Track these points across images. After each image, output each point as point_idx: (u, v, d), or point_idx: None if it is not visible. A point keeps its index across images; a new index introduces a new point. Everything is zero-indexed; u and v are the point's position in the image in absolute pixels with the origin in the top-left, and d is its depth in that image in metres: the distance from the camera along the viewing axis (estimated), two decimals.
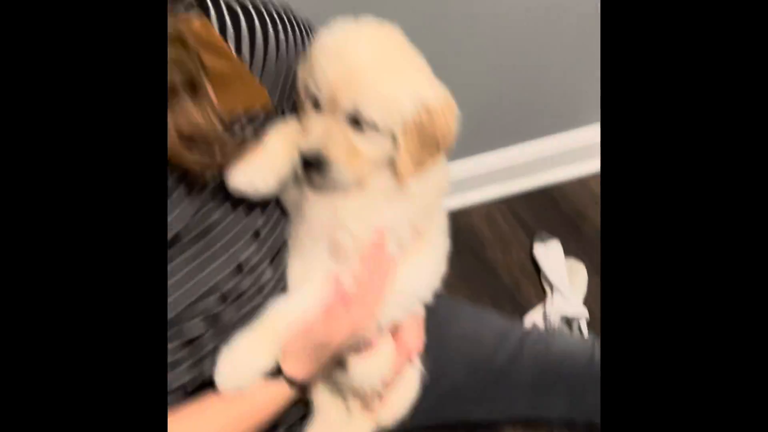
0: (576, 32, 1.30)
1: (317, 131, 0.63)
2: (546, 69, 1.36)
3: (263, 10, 0.68)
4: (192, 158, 0.62)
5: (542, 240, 1.40)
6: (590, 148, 1.53)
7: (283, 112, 0.72)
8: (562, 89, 1.43)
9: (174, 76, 0.58)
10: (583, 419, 1.05)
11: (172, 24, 0.58)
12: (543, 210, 1.52)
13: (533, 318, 1.26)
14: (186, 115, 0.61)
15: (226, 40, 0.64)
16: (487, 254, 1.44)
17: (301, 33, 0.71)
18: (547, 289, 1.32)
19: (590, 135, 1.52)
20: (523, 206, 1.53)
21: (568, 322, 1.21)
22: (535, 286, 1.36)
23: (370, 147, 0.64)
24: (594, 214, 1.50)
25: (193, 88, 0.61)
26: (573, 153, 1.54)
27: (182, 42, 0.59)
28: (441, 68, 0.67)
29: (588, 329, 1.23)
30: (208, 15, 0.64)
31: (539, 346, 1.01)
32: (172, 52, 0.58)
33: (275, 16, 0.68)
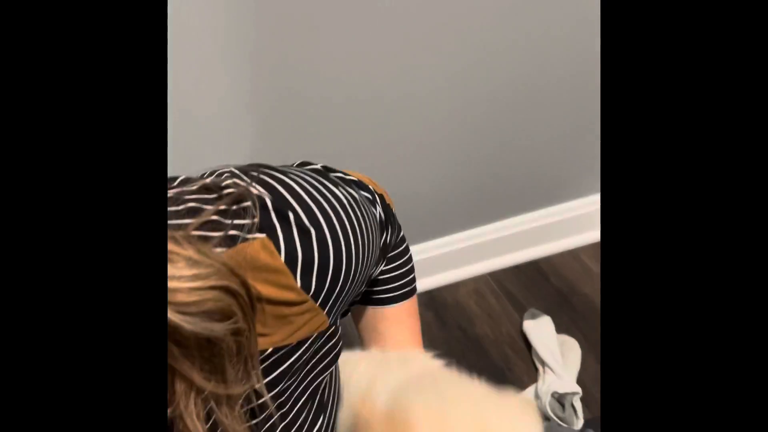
0: (564, 100, 1.30)
1: None
2: (534, 143, 1.36)
3: (337, 224, 0.58)
4: None
5: (532, 316, 1.35)
6: (580, 219, 1.51)
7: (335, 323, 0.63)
8: (550, 163, 1.42)
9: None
10: None
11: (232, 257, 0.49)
12: (532, 284, 1.48)
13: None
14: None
15: (294, 268, 0.54)
16: (475, 330, 1.38)
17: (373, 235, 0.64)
18: (539, 366, 1.26)
19: (580, 207, 1.50)
20: (512, 280, 1.49)
21: (560, 399, 1.14)
22: (526, 363, 1.30)
23: None
24: (585, 287, 1.46)
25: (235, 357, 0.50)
26: (562, 225, 1.52)
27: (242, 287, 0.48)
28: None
29: (582, 406, 1.16)
30: (276, 238, 0.54)
31: None
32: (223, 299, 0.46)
33: (348, 228, 0.59)
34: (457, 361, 0.85)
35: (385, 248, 0.75)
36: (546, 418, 1.15)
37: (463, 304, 1.45)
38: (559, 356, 1.24)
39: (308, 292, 0.55)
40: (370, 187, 0.74)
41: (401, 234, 0.80)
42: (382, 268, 0.78)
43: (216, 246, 0.50)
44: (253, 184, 0.55)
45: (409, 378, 0.70)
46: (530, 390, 1.21)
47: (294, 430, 0.63)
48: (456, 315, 1.42)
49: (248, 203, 0.53)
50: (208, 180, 0.56)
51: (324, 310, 0.57)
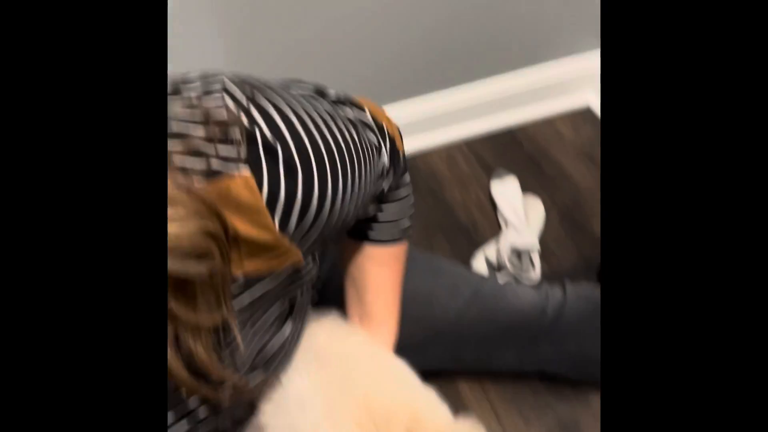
0: None
1: None
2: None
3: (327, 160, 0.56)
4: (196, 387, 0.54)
5: (499, 176, 1.36)
6: (558, 86, 1.49)
7: (314, 258, 0.63)
8: (528, 21, 1.38)
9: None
10: (533, 369, 1.03)
11: (212, 189, 0.48)
12: (505, 151, 1.48)
13: (485, 253, 1.23)
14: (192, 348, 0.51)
15: (274, 208, 0.53)
16: (445, 194, 1.40)
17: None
18: (503, 224, 1.29)
19: (559, 72, 1.48)
20: (485, 147, 1.49)
21: (518, 254, 1.18)
22: (491, 223, 1.33)
23: None
24: (557, 153, 1.46)
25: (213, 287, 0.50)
26: (538, 91, 1.50)
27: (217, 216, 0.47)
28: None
29: (541, 261, 1.20)
30: (260, 175, 0.52)
31: (490, 299, 0.98)
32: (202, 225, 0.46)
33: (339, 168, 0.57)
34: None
35: (381, 195, 0.73)
36: (498, 268, 1.19)
37: (435, 170, 1.46)
38: (522, 214, 1.26)
39: (285, 231, 0.54)
40: (381, 123, 0.69)
41: (407, 178, 0.77)
42: (384, 208, 0.76)
43: (197, 178, 0.48)
44: (246, 106, 0.52)
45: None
46: (491, 246, 1.24)
47: (265, 337, 0.65)
48: (428, 180, 1.44)
49: (236, 134, 0.50)
50: (194, 97, 0.52)
51: (302, 249, 0.57)
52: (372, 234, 0.79)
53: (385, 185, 0.72)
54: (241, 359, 0.61)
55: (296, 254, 0.57)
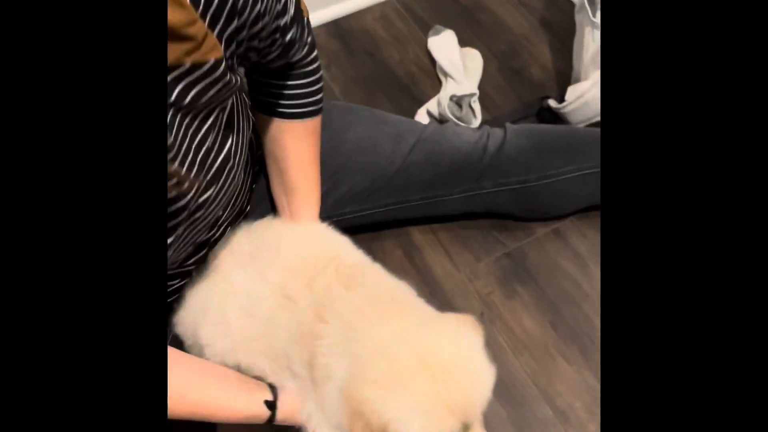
0: None
1: None
2: None
3: None
4: None
5: (436, 32, 1.35)
6: None
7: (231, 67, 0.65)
8: None
9: None
10: (480, 209, 1.07)
11: None
12: (439, 5, 1.45)
13: (428, 107, 1.24)
14: None
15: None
16: (383, 54, 1.39)
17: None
18: (442, 78, 1.29)
19: None
20: (419, 3, 1.46)
21: (458, 102, 1.19)
22: (431, 78, 1.33)
23: None
24: (491, 3, 1.44)
25: None
26: None
27: None
28: None
29: (481, 107, 1.22)
30: None
31: (433, 142, 1.00)
32: None
33: None
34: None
35: (289, 68, 0.79)
36: (441, 121, 1.20)
37: (370, 31, 1.43)
38: (461, 66, 1.26)
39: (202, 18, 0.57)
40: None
41: (314, 56, 0.81)
42: (291, 83, 0.80)
43: None
44: None
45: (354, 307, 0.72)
46: (433, 100, 1.25)
47: (204, 147, 0.67)
48: (363, 42, 1.41)
49: None
50: None
51: (220, 42, 0.60)
52: (285, 109, 0.81)
53: (294, 56, 0.77)
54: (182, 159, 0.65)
55: (216, 49, 0.60)
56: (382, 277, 0.80)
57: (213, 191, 0.71)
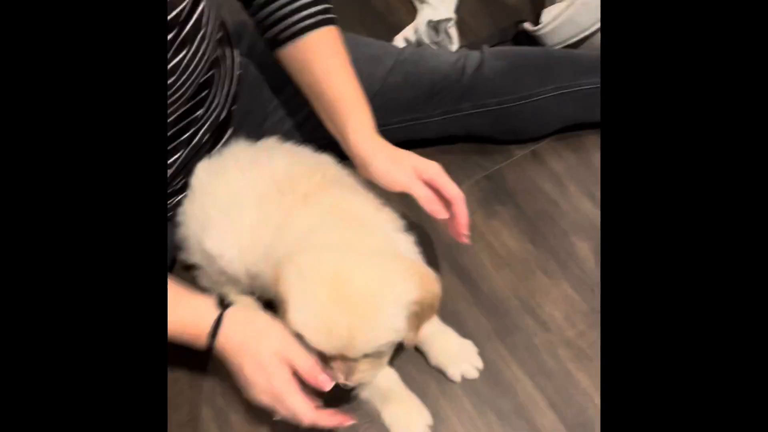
0: None
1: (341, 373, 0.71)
2: None
3: None
4: None
5: None
6: None
7: None
8: None
9: None
10: (459, 132, 1.09)
11: None
12: None
13: (404, 34, 1.23)
14: None
15: None
16: None
17: None
18: (417, 3, 1.28)
19: None
20: None
21: (435, 27, 1.19)
22: (406, 5, 1.32)
23: (384, 355, 0.74)
24: None
25: None
26: None
27: None
28: None
29: (457, 32, 1.22)
30: None
31: (411, 64, 1.00)
32: None
33: None
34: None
35: None
36: (418, 45, 1.21)
37: None
38: None
39: None
40: None
41: None
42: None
43: None
44: None
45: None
46: (409, 27, 1.24)
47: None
48: None
49: None
50: None
51: None
52: (296, 25, 0.82)
53: None
54: None
55: None
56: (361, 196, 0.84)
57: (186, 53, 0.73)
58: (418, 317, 0.72)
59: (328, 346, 0.68)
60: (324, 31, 0.83)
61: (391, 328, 0.69)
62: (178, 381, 0.91)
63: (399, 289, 0.70)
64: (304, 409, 0.68)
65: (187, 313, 0.72)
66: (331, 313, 0.67)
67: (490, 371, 0.90)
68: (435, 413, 0.86)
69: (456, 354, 0.89)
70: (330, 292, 0.67)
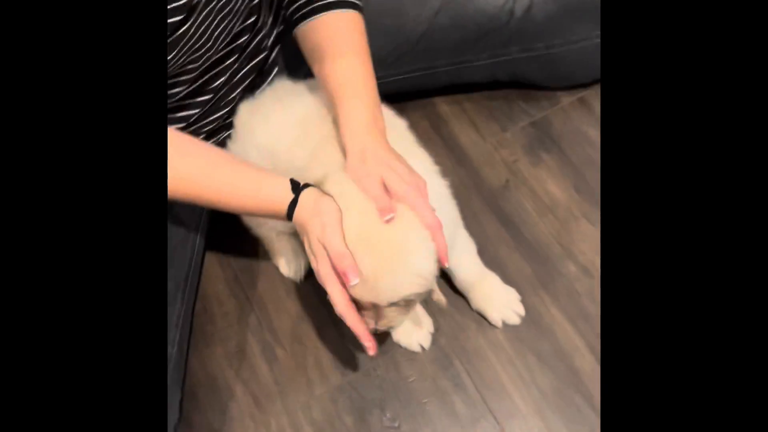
0: None
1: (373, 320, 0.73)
2: None
3: None
4: None
5: None
6: None
7: None
8: None
9: None
10: (505, 77, 1.07)
11: None
12: None
13: None
14: None
15: None
16: None
17: None
18: None
19: None
20: None
21: None
22: None
23: (413, 303, 0.73)
24: None
25: None
26: None
27: None
28: None
29: None
30: None
31: (459, 5, 0.98)
32: None
33: None
34: None
35: None
36: None
37: None
38: None
39: None
40: None
41: None
42: None
43: None
44: None
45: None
46: None
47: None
48: None
49: None
50: None
51: None
52: (314, 3, 0.80)
53: None
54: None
55: None
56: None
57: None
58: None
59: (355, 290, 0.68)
60: (342, 14, 0.79)
61: (416, 275, 0.68)
62: (227, 315, 0.95)
63: (426, 236, 0.68)
64: (338, 299, 0.68)
65: (267, 192, 0.72)
66: (357, 254, 0.66)
67: (530, 315, 0.91)
68: (474, 353, 0.89)
69: (499, 300, 0.91)
70: (357, 236, 0.67)
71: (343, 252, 0.66)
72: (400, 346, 0.90)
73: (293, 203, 0.70)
